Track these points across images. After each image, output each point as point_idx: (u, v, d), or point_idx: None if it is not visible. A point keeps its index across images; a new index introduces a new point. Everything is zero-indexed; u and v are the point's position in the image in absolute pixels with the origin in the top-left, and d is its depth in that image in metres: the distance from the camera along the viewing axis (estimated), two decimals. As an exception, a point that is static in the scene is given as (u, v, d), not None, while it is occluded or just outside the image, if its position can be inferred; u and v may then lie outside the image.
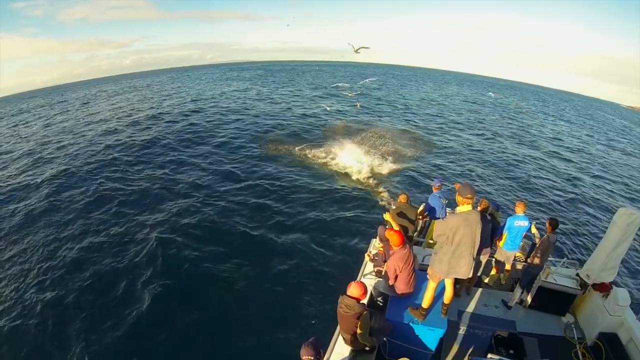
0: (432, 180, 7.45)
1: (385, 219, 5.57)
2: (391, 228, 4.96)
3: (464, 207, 3.91)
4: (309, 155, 17.78)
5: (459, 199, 3.93)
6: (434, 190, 6.90)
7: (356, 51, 8.04)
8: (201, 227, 11.17)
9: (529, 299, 5.76)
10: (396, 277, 4.73)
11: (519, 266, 6.48)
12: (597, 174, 20.25)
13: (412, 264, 4.76)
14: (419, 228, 7.20)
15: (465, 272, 4.07)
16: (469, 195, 3.84)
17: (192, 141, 20.41)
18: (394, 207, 6.29)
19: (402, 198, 6.33)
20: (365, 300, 4.71)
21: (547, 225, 5.53)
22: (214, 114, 27.80)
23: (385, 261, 5.30)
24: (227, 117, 26.70)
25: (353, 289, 3.91)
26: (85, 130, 25.42)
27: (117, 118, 29.18)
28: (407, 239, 5.51)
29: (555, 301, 5.61)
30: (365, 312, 3.86)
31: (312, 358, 3.19)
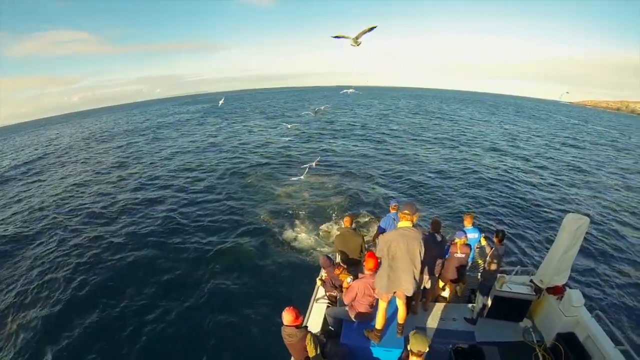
0: (390, 201, 7.30)
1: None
2: (371, 253, 4.84)
3: (403, 223, 3.95)
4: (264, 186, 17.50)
5: (399, 215, 4.02)
6: (391, 211, 6.72)
7: (356, 43, 6.95)
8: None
9: (486, 309, 5.76)
10: (355, 297, 4.61)
11: (475, 277, 6.53)
12: (540, 177, 20.78)
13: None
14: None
15: (407, 288, 3.98)
16: (406, 212, 3.90)
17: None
18: (338, 233, 6.13)
19: (346, 221, 6.10)
20: (311, 324, 4.74)
21: (495, 237, 5.61)
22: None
23: (333, 286, 5.22)
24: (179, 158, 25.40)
25: (285, 317, 3.80)
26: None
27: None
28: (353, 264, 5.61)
29: (512, 308, 5.65)
30: (308, 334, 3.78)
31: None
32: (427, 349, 3.22)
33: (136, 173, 21.87)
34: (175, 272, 10.17)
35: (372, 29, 6.99)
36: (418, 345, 3.20)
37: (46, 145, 40.98)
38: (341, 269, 5.10)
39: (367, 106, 67.98)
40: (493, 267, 5.48)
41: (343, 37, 7.24)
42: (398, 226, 4.00)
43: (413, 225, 3.97)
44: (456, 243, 5.72)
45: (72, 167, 26.15)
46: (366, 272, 4.60)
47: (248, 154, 24.89)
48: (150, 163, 24.62)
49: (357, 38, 7.09)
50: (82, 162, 27.12)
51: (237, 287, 9.31)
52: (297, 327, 3.79)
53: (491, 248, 5.68)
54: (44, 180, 22.68)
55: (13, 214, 16.32)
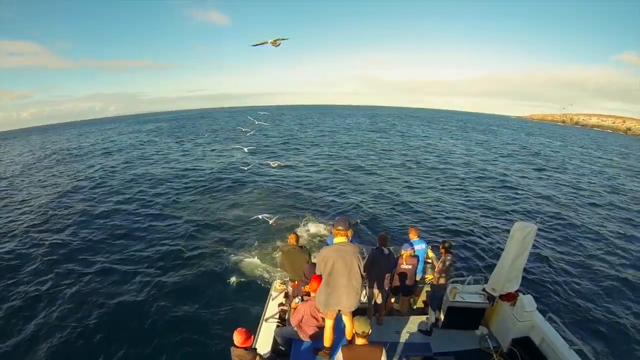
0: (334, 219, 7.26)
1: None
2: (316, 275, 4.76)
3: (338, 239, 3.96)
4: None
5: (333, 231, 4.04)
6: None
7: (276, 44, 7.52)
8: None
9: (440, 320, 5.74)
10: (302, 319, 4.58)
11: (427, 289, 6.50)
12: (486, 187, 21.42)
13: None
14: None
15: (346, 304, 3.96)
16: (339, 228, 3.92)
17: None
18: (284, 250, 6.05)
19: (291, 239, 6.03)
20: (261, 344, 4.69)
21: (441, 248, 5.66)
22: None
23: (295, 298, 5.20)
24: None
25: (235, 338, 3.71)
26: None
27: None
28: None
29: (467, 317, 5.67)
30: (257, 357, 3.74)
31: None
32: (370, 331, 3.38)
33: (88, 194, 20.53)
34: (123, 295, 9.53)
35: (285, 39, 7.81)
36: (361, 327, 3.35)
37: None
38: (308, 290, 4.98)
39: (316, 124, 70.11)
40: (442, 277, 5.51)
41: (263, 42, 7.73)
42: (334, 242, 3.97)
43: (349, 240, 4.00)
44: (402, 255, 5.72)
45: (24, 186, 24.26)
46: (312, 294, 4.58)
47: (199, 175, 23.95)
48: (101, 182, 23.25)
49: (275, 41, 7.66)
50: (38, 182, 25.10)
51: (186, 309, 8.78)
52: (246, 348, 3.68)
53: (438, 259, 5.72)
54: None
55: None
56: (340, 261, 3.81)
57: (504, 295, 5.45)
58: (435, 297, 5.62)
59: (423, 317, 5.96)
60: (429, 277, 6.78)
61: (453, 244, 6.00)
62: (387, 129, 61.33)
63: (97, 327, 8.11)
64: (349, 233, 3.98)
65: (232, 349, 3.71)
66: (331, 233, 6.59)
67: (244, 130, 34.87)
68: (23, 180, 25.69)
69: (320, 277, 4.44)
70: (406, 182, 21.90)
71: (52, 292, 9.74)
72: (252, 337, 3.84)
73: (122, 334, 7.88)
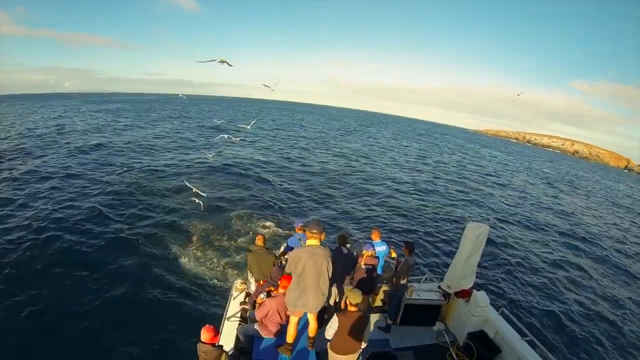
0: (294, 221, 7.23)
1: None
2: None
3: (311, 241, 4.05)
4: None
5: (307, 234, 4.14)
6: (297, 231, 6.65)
7: (222, 62, 8.05)
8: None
9: (399, 317, 5.89)
10: (267, 313, 4.59)
11: (386, 288, 6.58)
12: (441, 189, 22.27)
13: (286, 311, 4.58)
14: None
15: (313, 306, 4.06)
16: (314, 231, 4.02)
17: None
18: (251, 251, 6.08)
19: (259, 240, 6.06)
20: (224, 342, 4.54)
21: (404, 249, 5.78)
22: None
23: (259, 294, 5.24)
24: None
25: (203, 334, 3.75)
26: None
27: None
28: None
29: (424, 314, 5.88)
30: (224, 354, 3.78)
31: None
32: (360, 300, 3.82)
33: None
34: (66, 288, 8.61)
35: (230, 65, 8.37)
36: (355, 298, 3.76)
37: None
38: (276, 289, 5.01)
39: (273, 119, 69.57)
40: (403, 277, 5.62)
41: (210, 60, 8.09)
42: (307, 244, 4.07)
43: (321, 243, 4.09)
44: (363, 255, 5.77)
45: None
46: (280, 290, 4.67)
47: (159, 163, 22.11)
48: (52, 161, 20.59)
49: (222, 60, 8.09)
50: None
51: (142, 309, 8.20)
52: (213, 345, 3.73)
53: (400, 260, 5.81)
54: None
55: None
56: (311, 263, 3.90)
57: (458, 292, 5.73)
58: (395, 296, 5.72)
59: (382, 315, 6.08)
60: (389, 272, 6.89)
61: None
62: (344, 129, 62.29)
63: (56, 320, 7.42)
64: (322, 236, 4.07)
65: (199, 345, 3.73)
66: (292, 234, 6.59)
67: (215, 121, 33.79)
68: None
69: (291, 276, 4.49)
70: (363, 181, 21.99)
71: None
72: (219, 335, 3.87)
73: (69, 334, 7.21)
